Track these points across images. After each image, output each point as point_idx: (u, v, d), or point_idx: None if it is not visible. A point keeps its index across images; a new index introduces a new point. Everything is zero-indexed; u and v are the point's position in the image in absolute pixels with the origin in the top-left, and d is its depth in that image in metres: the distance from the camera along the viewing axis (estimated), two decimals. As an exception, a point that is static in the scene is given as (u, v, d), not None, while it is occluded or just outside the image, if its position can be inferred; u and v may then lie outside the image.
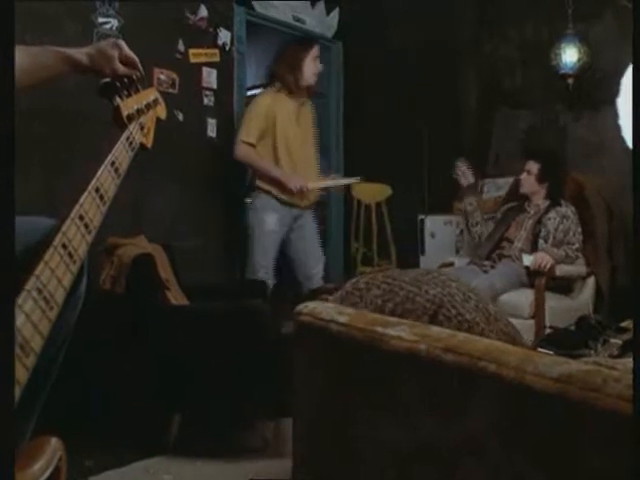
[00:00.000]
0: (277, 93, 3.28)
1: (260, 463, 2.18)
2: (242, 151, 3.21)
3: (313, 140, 3.50)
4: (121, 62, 1.25)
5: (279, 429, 2.37)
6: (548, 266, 3.09)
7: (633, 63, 0.93)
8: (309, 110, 3.49)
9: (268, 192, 3.26)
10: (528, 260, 3.17)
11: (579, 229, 3.32)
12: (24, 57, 1.16)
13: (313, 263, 3.37)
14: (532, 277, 3.16)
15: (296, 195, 3.24)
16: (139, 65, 1.29)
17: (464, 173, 3.61)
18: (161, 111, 1.37)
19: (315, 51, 3.37)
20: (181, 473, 2.12)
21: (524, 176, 3.49)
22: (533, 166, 3.46)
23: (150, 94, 1.32)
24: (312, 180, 3.35)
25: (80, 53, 1.24)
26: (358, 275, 1.73)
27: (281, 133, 3.26)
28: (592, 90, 4.01)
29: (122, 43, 1.26)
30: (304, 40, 3.55)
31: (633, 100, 0.94)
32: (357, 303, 1.43)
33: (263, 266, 3.24)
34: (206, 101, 3.48)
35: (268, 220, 3.26)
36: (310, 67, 3.31)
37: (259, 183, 3.28)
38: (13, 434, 0.63)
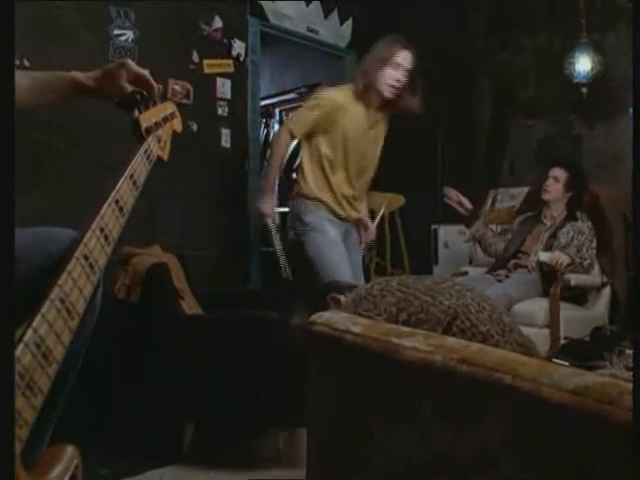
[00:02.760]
0: (350, 92, 2.80)
1: (273, 472, 2.18)
2: (280, 137, 2.84)
3: (374, 163, 3.02)
4: (131, 81, 1.24)
5: (292, 439, 2.38)
6: (565, 263, 3.08)
7: (633, 63, 0.93)
8: (381, 129, 2.98)
9: (324, 203, 2.83)
10: (545, 256, 3.16)
11: (593, 244, 3.30)
12: (25, 81, 1.17)
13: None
14: (546, 281, 3.14)
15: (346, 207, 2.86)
16: (151, 81, 1.27)
17: (460, 202, 3.46)
18: (177, 124, 1.39)
19: (402, 56, 2.74)
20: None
21: (550, 182, 3.44)
22: (560, 173, 3.42)
23: (167, 107, 1.33)
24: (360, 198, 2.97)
25: (86, 77, 1.23)
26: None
27: (351, 139, 2.80)
28: (606, 99, 4.00)
29: (130, 62, 1.25)
30: (395, 40, 2.83)
31: (634, 97, 0.94)
32: (371, 309, 1.44)
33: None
34: (220, 111, 3.51)
35: (330, 229, 2.81)
36: (387, 74, 2.73)
37: (311, 194, 2.82)
38: (13, 437, 0.64)
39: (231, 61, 3.54)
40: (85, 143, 2.85)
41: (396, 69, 2.72)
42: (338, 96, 2.79)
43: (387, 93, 2.75)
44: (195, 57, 3.36)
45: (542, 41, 4.43)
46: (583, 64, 3.90)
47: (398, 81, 2.73)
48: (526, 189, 4.13)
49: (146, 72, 1.27)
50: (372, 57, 2.77)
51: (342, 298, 1.83)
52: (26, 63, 2.51)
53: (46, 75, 1.22)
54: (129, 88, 1.23)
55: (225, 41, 3.53)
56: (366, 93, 2.77)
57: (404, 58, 2.74)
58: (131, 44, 3.04)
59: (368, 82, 2.74)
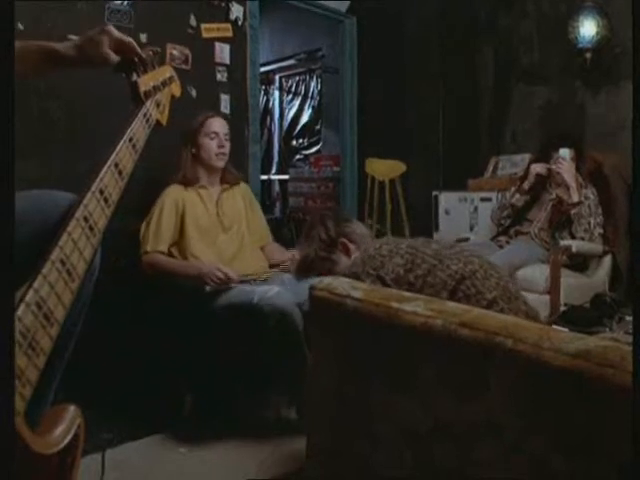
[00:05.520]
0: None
1: (273, 438, 2.21)
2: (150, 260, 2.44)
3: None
4: (114, 48, 1.20)
5: (293, 404, 2.40)
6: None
7: (633, 59, 0.91)
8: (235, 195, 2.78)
9: None
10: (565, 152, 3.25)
11: (599, 211, 3.28)
12: None
13: None
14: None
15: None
16: (136, 48, 1.23)
17: None
18: (176, 88, 1.38)
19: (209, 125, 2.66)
20: (196, 446, 2.16)
21: (566, 164, 3.27)
22: (570, 154, 3.31)
23: (166, 71, 1.32)
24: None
25: (66, 47, 1.18)
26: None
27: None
28: (611, 65, 3.94)
29: (111, 29, 1.20)
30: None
31: (633, 92, 0.92)
32: (378, 268, 1.45)
33: None
34: (219, 77, 3.46)
35: None
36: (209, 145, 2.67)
37: None
38: (13, 433, 0.65)
39: (229, 25, 3.48)
40: (85, 111, 2.81)
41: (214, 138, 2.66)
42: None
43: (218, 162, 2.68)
44: (193, 21, 3.30)
45: (546, 6, 4.34)
46: (588, 28, 3.82)
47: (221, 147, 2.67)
48: (527, 156, 4.10)
49: (129, 39, 1.23)
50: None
51: (352, 247, 1.80)
52: (20, 26, 2.46)
53: (21, 46, 1.14)
54: (112, 55, 1.19)
55: (223, 5, 3.46)
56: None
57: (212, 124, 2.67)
58: (127, 7, 2.98)
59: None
